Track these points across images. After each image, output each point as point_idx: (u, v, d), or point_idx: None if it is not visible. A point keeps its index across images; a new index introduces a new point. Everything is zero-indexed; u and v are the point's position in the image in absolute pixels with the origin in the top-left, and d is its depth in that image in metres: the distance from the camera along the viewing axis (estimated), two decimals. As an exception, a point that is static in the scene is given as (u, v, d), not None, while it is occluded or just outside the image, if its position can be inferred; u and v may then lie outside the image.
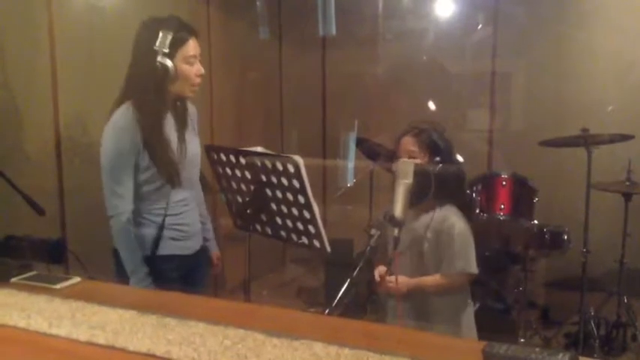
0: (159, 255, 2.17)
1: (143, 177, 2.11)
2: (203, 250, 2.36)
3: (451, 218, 2.27)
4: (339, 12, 4.52)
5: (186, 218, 2.24)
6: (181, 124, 2.21)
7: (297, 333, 1.29)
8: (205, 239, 2.38)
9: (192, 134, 2.27)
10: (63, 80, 3.04)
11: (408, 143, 2.27)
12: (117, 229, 2.10)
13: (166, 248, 2.18)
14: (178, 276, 2.21)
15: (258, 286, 3.95)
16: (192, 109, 2.30)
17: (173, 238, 2.20)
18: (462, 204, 2.38)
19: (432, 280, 2.26)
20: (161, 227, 2.17)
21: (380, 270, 2.29)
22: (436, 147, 2.25)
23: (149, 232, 2.16)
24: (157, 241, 2.16)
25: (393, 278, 2.21)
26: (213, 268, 2.47)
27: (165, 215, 2.17)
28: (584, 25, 4.02)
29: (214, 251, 2.46)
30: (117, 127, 2.08)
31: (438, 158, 2.23)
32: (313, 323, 1.50)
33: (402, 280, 2.22)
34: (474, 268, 2.25)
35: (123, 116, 2.08)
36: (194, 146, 2.24)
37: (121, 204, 2.08)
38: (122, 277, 2.14)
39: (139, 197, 2.12)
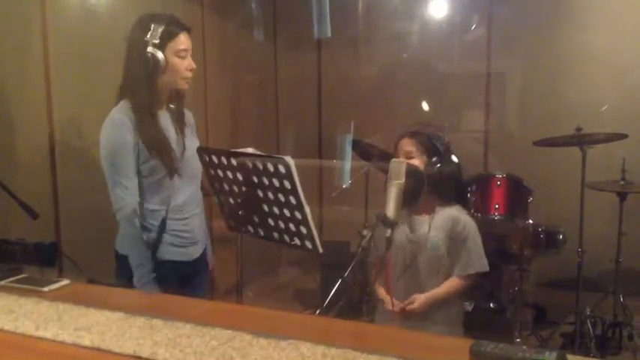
0: (157, 260, 2.15)
1: (143, 170, 2.10)
2: (203, 257, 2.34)
3: (463, 218, 2.26)
4: (335, 13, 4.51)
5: (190, 224, 2.23)
6: (178, 122, 2.22)
7: (286, 333, 1.28)
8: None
9: (191, 134, 2.28)
10: (56, 83, 3.03)
11: (406, 144, 2.27)
12: (123, 222, 2.09)
13: (165, 253, 2.17)
14: (176, 281, 2.19)
15: (253, 288, 3.94)
16: (188, 114, 2.31)
17: (173, 244, 2.19)
18: (464, 203, 2.37)
19: (453, 287, 2.24)
20: (161, 231, 2.15)
21: (384, 297, 2.25)
22: (434, 148, 2.24)
23: (149, 235, 2.15)
24: (156, 245, 2.15)
25: (410, 300, 2.20)
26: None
27: (166, 219, 2.16)
28: (578, 25, 4.02)
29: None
30: (113, 121, 2.09)
31: (435, 158, 2.22)
32: (302, 324, 1.49)
33: (420, 301, 2.21)
34: (487, 266, 2.26)
35: (118, 111, 2.10)
36: (193, 144, 2.23)
37: (125, 195, 2.07)
38: (123, 279, 2.12)
39: (140, 194, 2.11)
